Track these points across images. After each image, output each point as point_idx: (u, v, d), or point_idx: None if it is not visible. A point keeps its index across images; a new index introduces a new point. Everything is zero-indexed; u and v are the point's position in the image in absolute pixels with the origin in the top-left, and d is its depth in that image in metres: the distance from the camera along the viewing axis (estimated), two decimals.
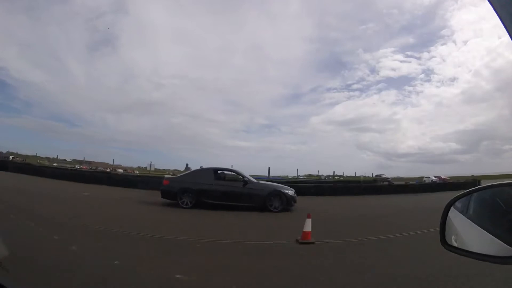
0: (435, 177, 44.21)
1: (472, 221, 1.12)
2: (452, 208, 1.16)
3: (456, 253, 1.06)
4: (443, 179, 42.13)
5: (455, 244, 1.11)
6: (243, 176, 9.37)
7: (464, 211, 1.19)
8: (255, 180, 9.68)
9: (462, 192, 1.14)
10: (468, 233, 1.13)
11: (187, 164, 13.65)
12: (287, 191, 9.12)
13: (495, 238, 0.90)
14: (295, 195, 9.24)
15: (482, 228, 1.03)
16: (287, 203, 8.86)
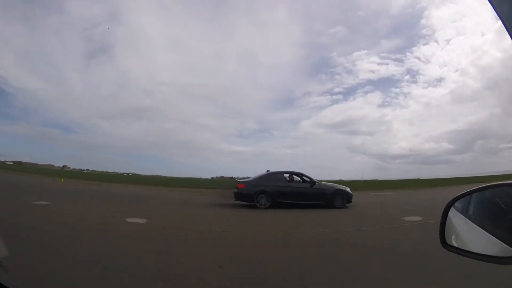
0: None
1: (472, 221, 1.12)
2: (452, 208, 1.16)
3: (456, 253, 1.05)
4: None
5: (455, 244, 1.10)
6: (310, 178, 10.17)
7: (464, 211, 1.19)
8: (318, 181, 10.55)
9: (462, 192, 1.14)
10: (468, 233, 1.13)
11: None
12: (347, 189, 10.01)
13: (495, 238, 0.90)
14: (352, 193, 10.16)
15: (482, 228, 1.03)
16: (347, 200, 9.79)
